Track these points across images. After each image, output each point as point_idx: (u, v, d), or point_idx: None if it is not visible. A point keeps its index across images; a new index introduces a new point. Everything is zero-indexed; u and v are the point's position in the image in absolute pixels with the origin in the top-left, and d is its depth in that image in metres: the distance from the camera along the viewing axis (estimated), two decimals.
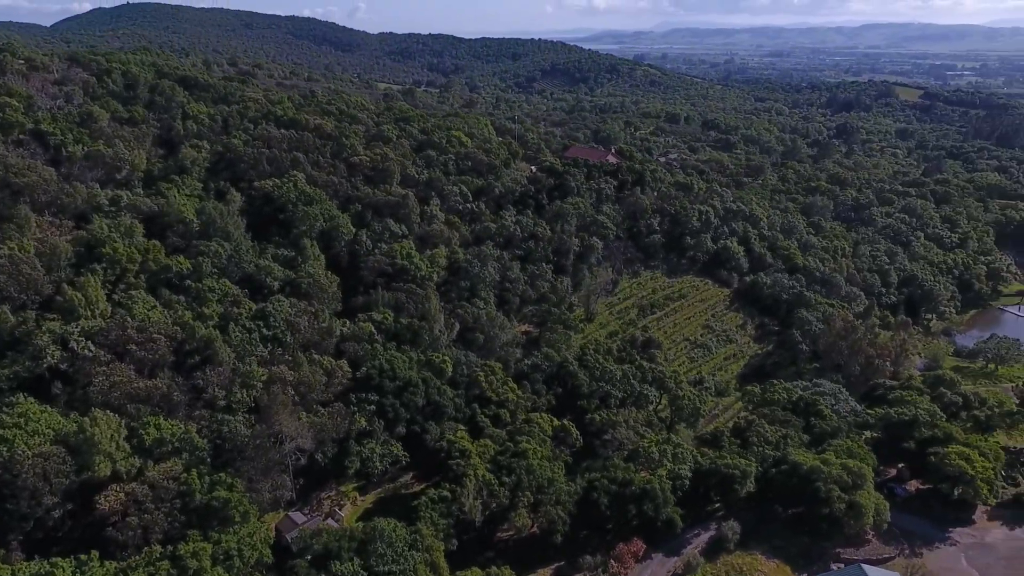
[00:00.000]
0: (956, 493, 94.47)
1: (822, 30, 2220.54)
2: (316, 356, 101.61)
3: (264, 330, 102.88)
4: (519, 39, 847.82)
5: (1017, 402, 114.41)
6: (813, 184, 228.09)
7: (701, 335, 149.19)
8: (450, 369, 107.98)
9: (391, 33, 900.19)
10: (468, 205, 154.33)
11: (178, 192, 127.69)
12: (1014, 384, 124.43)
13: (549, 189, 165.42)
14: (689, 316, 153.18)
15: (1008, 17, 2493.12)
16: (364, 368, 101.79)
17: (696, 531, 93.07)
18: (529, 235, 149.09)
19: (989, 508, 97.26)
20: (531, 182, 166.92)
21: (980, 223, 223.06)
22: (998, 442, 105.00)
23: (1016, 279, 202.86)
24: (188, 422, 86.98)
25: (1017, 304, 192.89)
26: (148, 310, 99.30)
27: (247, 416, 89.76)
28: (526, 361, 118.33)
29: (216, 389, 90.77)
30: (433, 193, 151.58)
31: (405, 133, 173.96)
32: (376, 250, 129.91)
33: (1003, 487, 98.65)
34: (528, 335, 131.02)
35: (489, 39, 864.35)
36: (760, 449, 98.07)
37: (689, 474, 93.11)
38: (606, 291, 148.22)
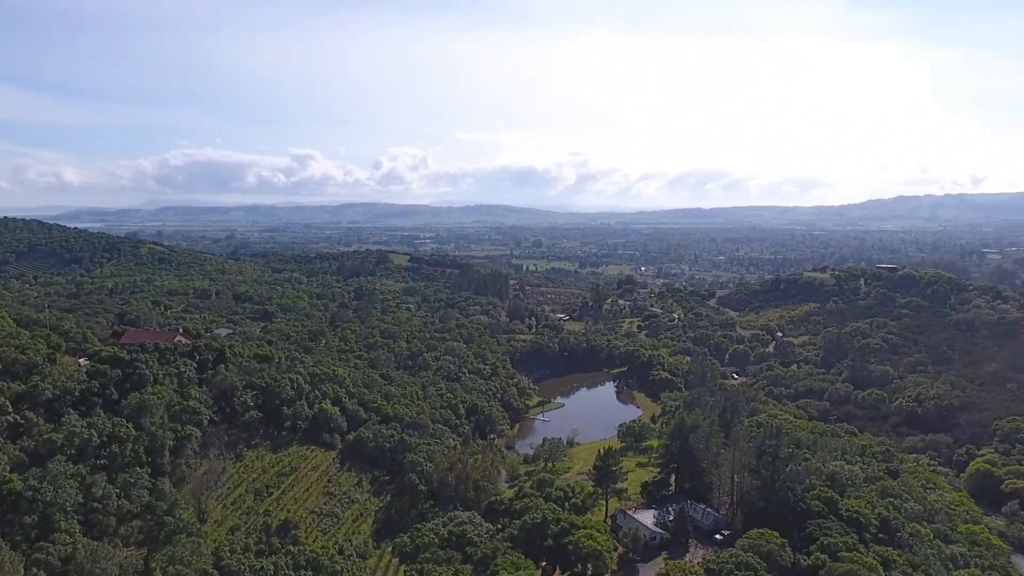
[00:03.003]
0: (590, 570, 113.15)
1: (309, 208, 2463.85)
2: None
3: None
4: None
5: (592, 485, 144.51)
6: (371, 340, 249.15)
7: (325, 504, 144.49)
8: None
9: None
10: (9, 417, 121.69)
11: None
12: (587, 472, 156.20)
13: (118, 381, 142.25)
14: (307, 488, 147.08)
15: (442, 200, 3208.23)
16: None
17: None
18: (109, 438, 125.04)
19: (612, 572, 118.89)
20: (92, 376, 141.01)
21: (499, 354, 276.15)
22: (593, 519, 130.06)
23: (535, 393, 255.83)
24: None
25: (541, 412, 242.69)
26: None
27: None
28: None
29: None
30: None
31: None
32: None
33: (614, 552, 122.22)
34: (142, 558, 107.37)
35: None
36: None
37: None
38: (216, 483, 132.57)
